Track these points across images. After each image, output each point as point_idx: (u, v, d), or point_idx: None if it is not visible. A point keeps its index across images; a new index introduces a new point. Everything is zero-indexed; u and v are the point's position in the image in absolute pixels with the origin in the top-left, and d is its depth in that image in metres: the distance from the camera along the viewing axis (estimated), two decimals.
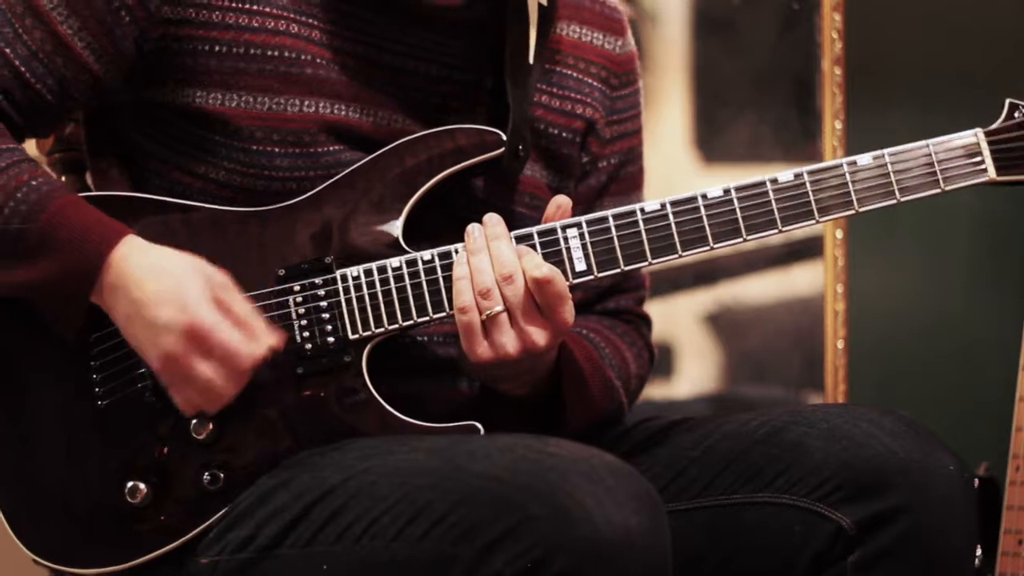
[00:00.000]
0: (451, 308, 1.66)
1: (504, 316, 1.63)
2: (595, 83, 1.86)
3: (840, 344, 3.19)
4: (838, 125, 3.19)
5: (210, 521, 1.65)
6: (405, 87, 1.74)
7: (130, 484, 1.65)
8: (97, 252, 1.61)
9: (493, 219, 1.66)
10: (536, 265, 1.63)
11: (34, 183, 1.64)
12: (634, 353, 1.89)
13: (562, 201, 1.68)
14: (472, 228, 1.66)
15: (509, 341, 1.63)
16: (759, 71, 3.21)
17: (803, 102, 3.21)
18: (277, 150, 1.70)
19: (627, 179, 1.92)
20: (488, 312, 1.63)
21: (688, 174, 3.14)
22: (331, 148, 1.71)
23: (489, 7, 1.76)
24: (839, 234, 3.20)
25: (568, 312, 1.64)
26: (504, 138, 1.71)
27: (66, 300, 1.63)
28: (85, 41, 1.69)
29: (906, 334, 3.33)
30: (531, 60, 1.77)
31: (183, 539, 1.65)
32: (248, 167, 1.70)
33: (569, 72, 1.84)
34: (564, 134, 1.83)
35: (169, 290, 1.60)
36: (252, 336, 1.61)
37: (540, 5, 1.78)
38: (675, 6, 3.17)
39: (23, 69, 1.69)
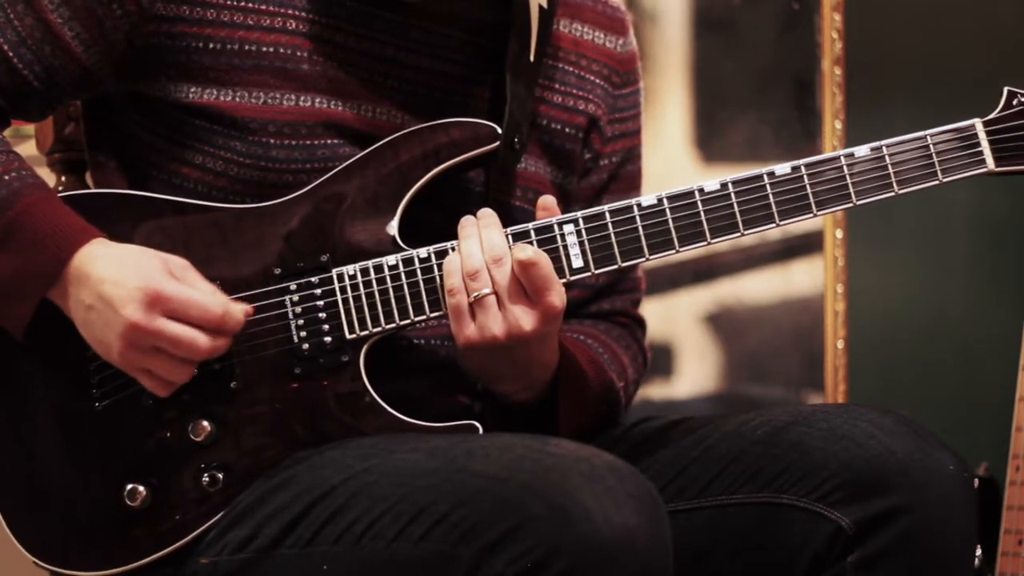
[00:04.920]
0: (447, 306, 1.65)
1: (491, 299, 1.63)
2: (597, 80, 1.86)
3: (840, 344, 3.19)
4: (838, 125, 3.19)
5: (210, 522, 1.65)
6: (405, 82, 1.74)
7: (129, 487, 1.65)
8: (56, 257, 1.62)
9: (487, 211, 1.67)
10: (521, 248, 1.63)
11: (7, 178, 1.64)
12: (630, 357, 1.89)
13: (547, 204, 1.68)
14: (466, 218, 1.66)
15: (495, 323, 1.63)
16: (759, 71, 3.21)
17: (803, 102, 3.21)
18: (273, 141, 1.70)
19: (627, 178, 1.92)
20: (476, 294, 1.63)
21: (688, 174, 3.14)
22: (328, 142, 1.71)
23: (491, 3, 1.76)
24: (839, 234, 3.20)
25: (556, 296, 1.63)
26: (499, 131, 1.71)
27: (18, 299, 1.63)
28: (74, 31, 1.69)
29: (906, 334, 3.33)
30: (532, 56, 1.77)
31: (183, 541, 1.65)
32: (245, 157, 1.70)
33: (570, 69, 1.84)
34: (567, 129, 1.83)
35: (128, 269, 1.60)
36: (215, 295, 1.62)
37: (540, 8, 1.78)
38: (675, 6, 3.17)
39: (11, 54, 1.70)
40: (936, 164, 1.68)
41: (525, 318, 1.63)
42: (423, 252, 1.67)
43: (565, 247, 1.66)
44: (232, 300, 1.64)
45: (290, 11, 1.71)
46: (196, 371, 1.63)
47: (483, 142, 1.70)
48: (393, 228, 1.68)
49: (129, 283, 1.59)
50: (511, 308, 1.63)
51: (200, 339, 1.60)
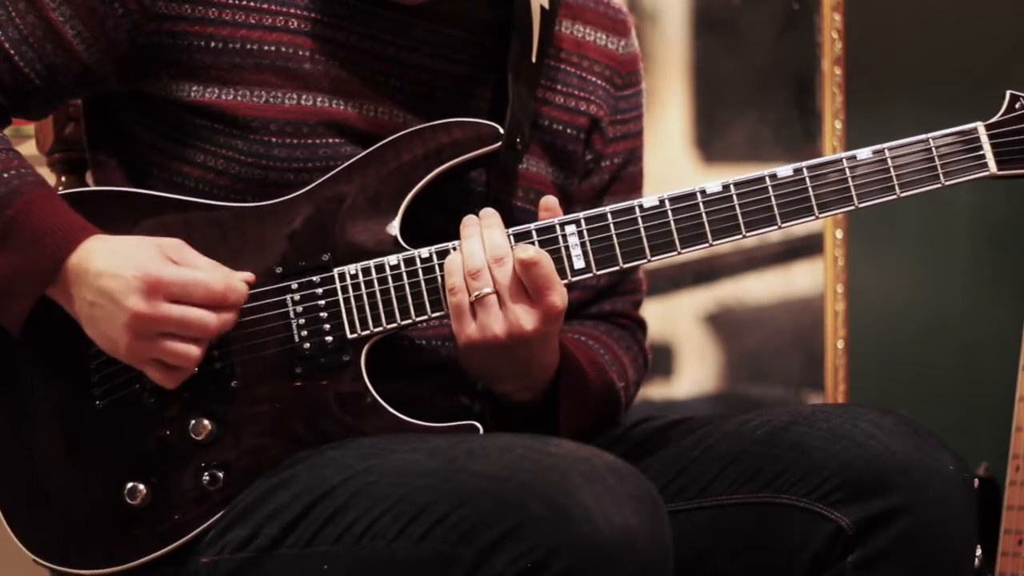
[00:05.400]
0: (448, 305, 1.65)
1: (492, 298, 1.63)
2: (599, 81, 1.86)
3: (840, 344, 3.20)
4: (838, 125, 3.19)
5: (210, 521, 1.65)
6: (407, 81, 1.74)
7: (129, 485, 1.65)
8: (55, 256, 1.62)
9: (489, 211, 1.67)
10: (523, 248, 1.63)
11: (6, 176, 1.64)
12: (631, 358, 1.89)
13: (549, 204, 1.68)
14: (468, 217, 1.67)
15: (496, 323, 1.63)
16: (759, 71, 3.21)
17: (803, 102, 3.21)
18: (275, 140, 1.70)
19: (628, 179, 1.92)
20: (477, 293, 1.63)
21: (688, 174, 3.14)
22: (330, 140, 1.71)
23: (492, 2, 1.76)
24: (839, 234, 3.20)
25: (557, 296, 1.63)
26: (501, 131, 1.70)
27: (17, 297, 1.63)
28: (76, 29, 1.69)
29: (906, 334, 3.33)
30: (534, 57, 1.77)
31: (183, 540, 1.65)
32: (246, 156, 1.70)
33: (572, 70, 1.84)
34: (569, 130, 1.83)
35: (123, 260, 1.60)
36: (215, 269, 1.62)
37: (542, 8, 1.78)
38: (675, 6, 3.17)
39: (12, 52, 1.70)
40: (938, 167, 1.68)
41: (526, 318, 1.63)
42: (424, 252, 1.67)
43: (567, 248, 1.66)
44: (232, 271, 1.64)
45: (292, 10, 1.71)
46: (195, 372, 1.63)
47: (485, 142, 1.70)
48: (395, 228, 1.68)
49: (127, 273, 1.59)
50: (512, 307, 1.63)
51: (208, 317, 1.60)
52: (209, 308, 1.61)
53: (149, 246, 1.62)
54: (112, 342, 1.62)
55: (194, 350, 1.61)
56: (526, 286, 1.63)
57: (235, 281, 1.63)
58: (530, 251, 1.62)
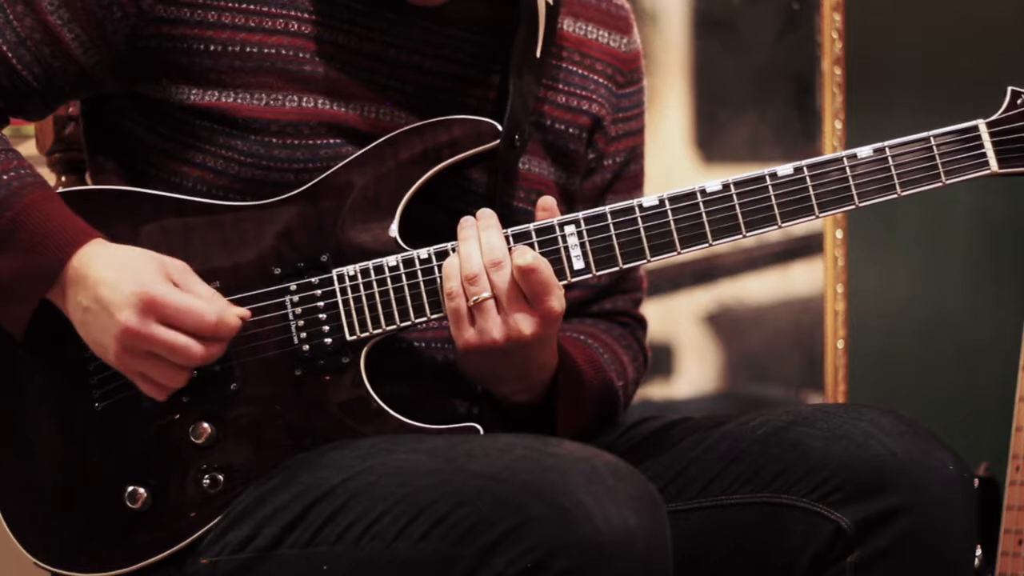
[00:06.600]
0: (446, 309, 1.65)
1: (490, 303, 1.63)
2: (601, 80, 1.86)
3: (840, 344, 3.19)
4: (838, 125, 3.19)
5: (211, 524, 1.64)
6: (409, 83, 1.74)
7: (130, 489, 1.65)
8: (56, 258, 1.62)
9: (486, 212, 1.66)
10: (520, 253, 1.63)
11: (5, 178, 1.65)
12: (630, 357, 1.89)
13: (547, 204, 1.68)
14: (465, 218, 1.66)
15: (495, 328, 1.63)
16: (759, 71, 3.21)
17: (803, 102, 3.21)
18: (275, 140, 1.70)
19: (630, 177, 1.92)
20: (475, 298, 1.63)
21: (688, 173, 3.14)
22: (331, 141, 1.71)
23: (494, 3, 1.76)
24: (839, 234, 3.20)
25: (555, 301, 1.63)
26: (499, 128, 1.70)
27: (18, 300, 1.63)
28: (74, 33, 1.69)
29: (906, 334, 3.33)
30: (538, 53, 1.76)
31: (183, 543, 1.65)
32: (246, 156, 1.70)
33: (575, 69, 1.84)
34: (571, 130, 1.83)
35: (125, 273, 1.60)
36: (212, 299, 1.62)
37: (547, 4, 1.77)
38: (675, 6, 3.17)
39: (10, 55, 1.70)
40: (939, 166, 1.67)
41: (525, 323, 1.63)
42: (423, 253, 1.66)
43: (566, 248, 1.66)
44: (230, 303, 1.64)
45: (292, 12, 1.71)
46: (193, 375, 1.63)
47: (484, 139, 1.70)
48: (393, 228, 1.68)
49: (125, 287, 1.59)
50: (510, 313, 1.63)
51: (194, 346, 1.60)
52: (198, 337, 1.60)
53: (153, 263, 1.62)
54: (102, 348, 1.62)
55: (177, 377, 1.62)
56: (524, 292, 1.63)
57: (229, 315, 1.62)
58: (528, 257, 1.62)
